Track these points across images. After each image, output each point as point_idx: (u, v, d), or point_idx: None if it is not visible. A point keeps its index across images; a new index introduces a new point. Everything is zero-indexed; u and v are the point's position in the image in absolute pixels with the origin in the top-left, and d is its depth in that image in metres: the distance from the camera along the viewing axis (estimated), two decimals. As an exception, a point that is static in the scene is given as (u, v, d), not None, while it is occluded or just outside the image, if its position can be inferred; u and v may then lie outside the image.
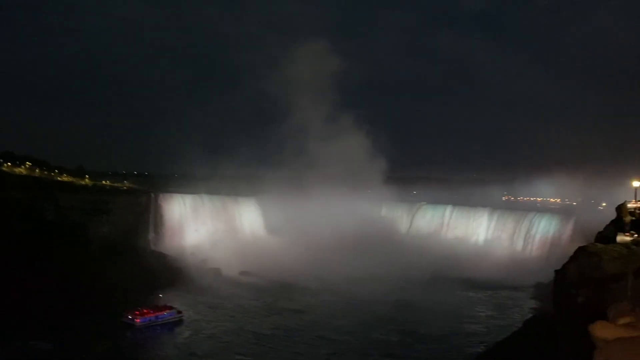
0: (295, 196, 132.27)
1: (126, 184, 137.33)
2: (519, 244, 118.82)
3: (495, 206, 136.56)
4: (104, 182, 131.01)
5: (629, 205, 43.96)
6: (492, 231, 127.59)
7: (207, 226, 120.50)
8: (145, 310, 74.90)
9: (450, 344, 67.12)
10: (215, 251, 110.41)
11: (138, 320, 72.86)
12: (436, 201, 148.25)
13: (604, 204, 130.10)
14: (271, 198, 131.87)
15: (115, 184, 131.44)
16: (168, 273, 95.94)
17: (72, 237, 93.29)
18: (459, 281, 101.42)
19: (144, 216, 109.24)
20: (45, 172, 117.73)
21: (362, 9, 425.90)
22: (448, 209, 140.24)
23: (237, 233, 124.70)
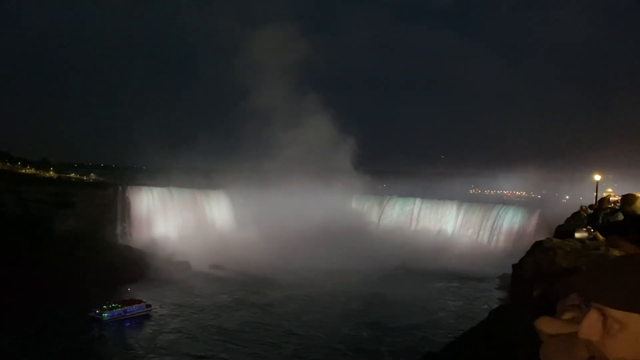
0: (266, 189, 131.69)
1: (92, 176, 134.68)
2: (486, 236, 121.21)
3: (462, 199, 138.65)
4: (69, 174, 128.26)
5: (612, 199, 44.71)
6: (459, 223, 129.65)
7: (176, 219, 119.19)
8: (112, 304, 74.07)
9: (420, 336, 68.28)
10: (185, 245, 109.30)
11: (106, 315, 72.04)
12: (405, 194, 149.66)
13: (567, 197, 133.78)
14: (241, 191, 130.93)
15: (81, 177, 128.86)
16: (136, 267, 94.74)
17: (37, 230, 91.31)
18: (428, 273, 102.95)
19: (111, 209, 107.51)
20: (7, 164, 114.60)
21: (334, 3, 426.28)
22: (417, 202, 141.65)
23: (206, 226, 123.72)
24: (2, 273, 76.94)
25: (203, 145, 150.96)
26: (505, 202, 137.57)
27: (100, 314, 72.05)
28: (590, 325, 1.69)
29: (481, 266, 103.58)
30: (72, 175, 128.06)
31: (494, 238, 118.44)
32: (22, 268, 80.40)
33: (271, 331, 69.42)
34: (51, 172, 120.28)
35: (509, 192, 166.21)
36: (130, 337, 68.73)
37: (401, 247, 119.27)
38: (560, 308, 4.99)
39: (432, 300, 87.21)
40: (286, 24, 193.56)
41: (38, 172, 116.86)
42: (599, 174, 71.67)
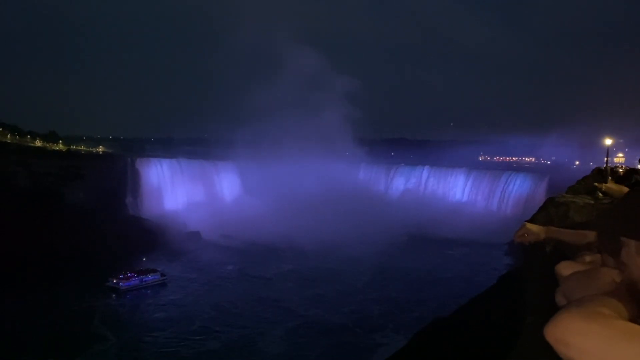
0: (274, 159, 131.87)
1: (101, 148, 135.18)
2: (495, 203, 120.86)
3: (471, 166, 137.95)
4: (78, 147, 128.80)
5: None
6: (468, 190, 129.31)
7: (186, 190, 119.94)
8: (129, 274, 75.76)
9: (430, 306, 66.99)
10: (195, 215, 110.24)
11: (123, 284, 73.75)
12: (414, 162, 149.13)
13: (577, 163, 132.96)
14: (250, 161, 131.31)
15: (90, 149, 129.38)
16: (148, 237, 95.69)
17: (48, 203, 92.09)
18: (437, 241, 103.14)
19: (121, 181, 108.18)
20: (17, 138, 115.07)
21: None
22: (425, 170, 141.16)
23: (216, 197, 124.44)
24: (16, 245, 78.06)
25: (209, 116, 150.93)
26: (514, 168, 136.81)
27: (118, 283, 73.86)
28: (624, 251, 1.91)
29: (490, 233, 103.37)
30: (82, 147, 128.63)
31: (504, 205, 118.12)
32: (35, 240, 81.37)
33: (270, 306, 68.91)
34: (60, 145, 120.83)
35: (522, 159, 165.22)
36: (146, 305, 70.44)
37: (409, 215, 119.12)
38: (577, 254, 4.95)
39: (441, 268, 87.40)
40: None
41: (47, 144, 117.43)
42: (610, 139, 70.64)
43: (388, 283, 78.95)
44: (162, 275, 78.84)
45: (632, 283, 1.84)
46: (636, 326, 1.50)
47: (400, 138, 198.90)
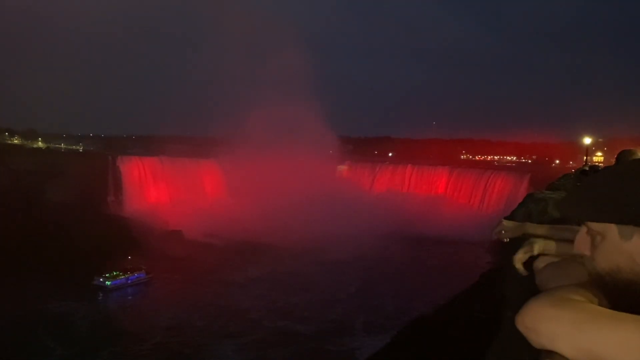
0: (258, 157, 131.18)
1: (82, 146, 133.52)
2: (477, 201, 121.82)
3: (453, 165, 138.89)
4: (58, 144, 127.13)
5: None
6: (451, 189, 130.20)
7: (168, 189, 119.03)
8: (115, 272, 75.45)
9: (415, 309, 64.68)
10: (177, 214, 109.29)
11: (109, 282, 73.37)
12: (397, 160, 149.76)
13: (557, 161, 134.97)
14: (233, 160, 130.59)
15: (71, 147, 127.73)
16: (129, 237, 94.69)
17: (28, 202, 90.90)
18: (420, 239, 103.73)
19: (102, 179, 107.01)
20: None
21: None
22: (408, 168, 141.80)
23: (198, 195, 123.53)
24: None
25: (193, 114, 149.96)
26: (495, 167, 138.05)
27: (104, 282, 73.46)
28: (581, 240, 1.81)
29: (473, 231, 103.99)
30: (62, 145, 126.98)
31: (485, 202, 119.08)
32: (15, 240, 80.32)
33: (236, 317, 65.13)
34: (39, 143, 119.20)
35: (503, 158, 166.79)
36: (134, 303, 70.46)
37: (394, 213, 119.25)
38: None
39: (426, 267, 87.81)
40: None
41: (26, 142, 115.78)
42: (589, 138, 71.77)
43: (372, 287, 77.18)
44: (148, 273, 78.74)
45: (598, 274, 1.79)
46: (605, 309, 1.50)
47: (384, 137, 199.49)
